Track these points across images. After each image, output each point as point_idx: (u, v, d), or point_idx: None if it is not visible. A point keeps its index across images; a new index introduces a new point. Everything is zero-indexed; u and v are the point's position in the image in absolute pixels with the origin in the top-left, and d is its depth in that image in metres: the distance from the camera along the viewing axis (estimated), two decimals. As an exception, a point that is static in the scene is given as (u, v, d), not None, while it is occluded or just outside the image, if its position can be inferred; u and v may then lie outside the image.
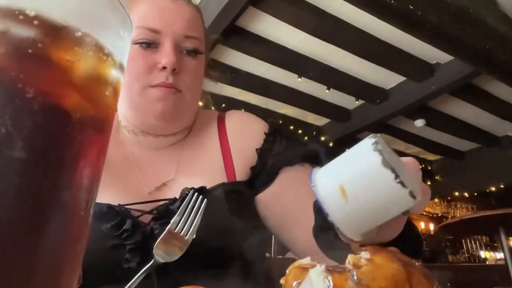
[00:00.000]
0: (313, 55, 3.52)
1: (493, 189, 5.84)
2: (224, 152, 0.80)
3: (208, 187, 0.71)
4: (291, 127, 4.65)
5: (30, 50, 0.21)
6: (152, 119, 0.75)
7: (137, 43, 0.72)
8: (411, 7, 2.50)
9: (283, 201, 0.77)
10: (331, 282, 0.35)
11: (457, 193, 6.23)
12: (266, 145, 0.80)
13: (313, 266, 0.38)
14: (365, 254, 0.37)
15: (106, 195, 0.70)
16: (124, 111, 0.80)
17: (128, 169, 0.77)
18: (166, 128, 0.79)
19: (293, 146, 0.80)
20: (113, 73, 0.26)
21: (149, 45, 0.73)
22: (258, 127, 0.84)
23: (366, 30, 3.15)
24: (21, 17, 0.21)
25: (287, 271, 0.39)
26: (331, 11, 2.97)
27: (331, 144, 4.96)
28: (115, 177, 0.75)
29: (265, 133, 0.82)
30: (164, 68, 0.72)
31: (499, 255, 7.64)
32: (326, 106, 4.43)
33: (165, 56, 0.71)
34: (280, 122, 4.54)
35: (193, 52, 0.76)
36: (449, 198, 7.04)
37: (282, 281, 0.40)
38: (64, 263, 0.22)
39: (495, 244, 7.87)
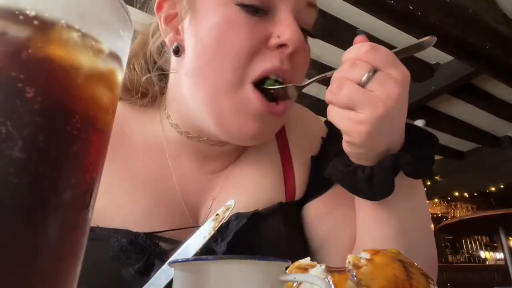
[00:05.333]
0: (313, 55, 3.51)
1: (493, 189, 5.82)
2: (285, 164, 0.64)
3: (262, 207, 0.58)
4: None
5: (30, 50, 0.21)
6: (235, 137, 0.53)
7: (240, 4, 0.48)
8: (411, 7, 2.49)
9: (331, 218, 0.63)
10: (331, 282, 0.35)
11: (457, 193, 6.21)
12: (322, 151, 0.67)
13: (313, 266, 0.38)
14: (365, 255, 0.37)
15: (131, 212, 0.54)
16: (189, 109, 0.56)
17: (163, 177, 0.60)
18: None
19: None
20: (113, 73, 0.26)
21: (257, 9, 0.49)
22: (317, 129, 0.70)
23: (366, 30, 3.14)
24: (21, 17, 0.21)
25: (287, 271, 0.39)
26: (331, 11, 2.96)
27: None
28: (145, 185, 0.58)
29: (322, 137, 0.68)
30: (282, 46, 0.49)
31: (499, 255, 7.63)
32: (326, 106, 4.41)
33: (287, 27, 0.48)
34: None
35: (310, 33, 0.57)
36: (449, 198, 7.04)
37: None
38: (64, 264, 0.22)
39: (495, 244, 7.86)
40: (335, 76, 0.43)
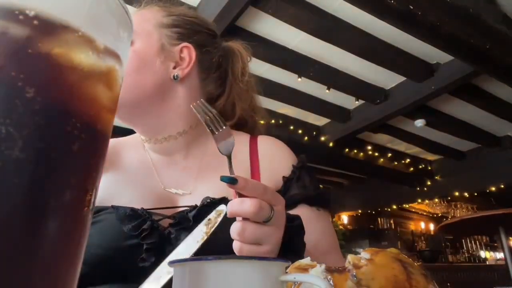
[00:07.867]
0: (313, 55, 3.51)
1: (493, 189, 5.82)
2: (253, 170, 0.81)
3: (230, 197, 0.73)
4: (291, 127, 4.65)
5: (30, 50, 0.21)
6: None
7: None
8: (411, 7, 2.50)
9: None
10: (331, 282, 0.35)
11: (457, 193, 6.21)
12: (292, 175, 0.82)
13: (313, 266, 0.38)
14: (365, 254, 0.37)
15: (131, 199, 0.75)
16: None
17: (149, 174, 0.82)
18: (135, 127, 0.84)
19: (314, 188, 0.82)
20: (113, 73, 0.26)
21: None
22: (289, 157, 0.86)
23: (366, 30, 3.14)
24: (21, 17, 0.21)
25: (287, 271, 0.39)
26: (331, 11, 2.96)
27: (331, 144, 4.95)
28: (138, 181, 0.81)
29: (293, 165, 0.84)
30: None
31: (499, 255, 7.64)
32: (326, 106, 4.42)
33: None
34: (280, 122, 4.54)
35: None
36: (449, 198, 7.03)
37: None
38: (64, 264, 0.22)
39: (495, 244, 7.86)
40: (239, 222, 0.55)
